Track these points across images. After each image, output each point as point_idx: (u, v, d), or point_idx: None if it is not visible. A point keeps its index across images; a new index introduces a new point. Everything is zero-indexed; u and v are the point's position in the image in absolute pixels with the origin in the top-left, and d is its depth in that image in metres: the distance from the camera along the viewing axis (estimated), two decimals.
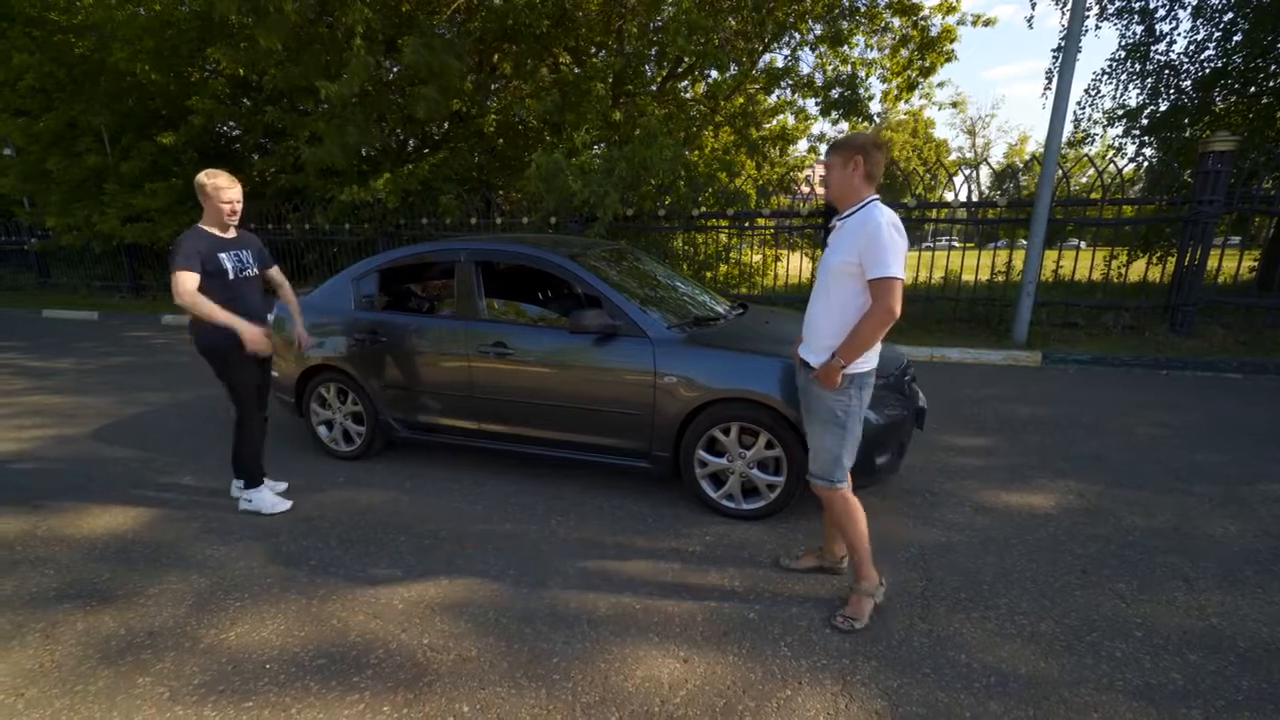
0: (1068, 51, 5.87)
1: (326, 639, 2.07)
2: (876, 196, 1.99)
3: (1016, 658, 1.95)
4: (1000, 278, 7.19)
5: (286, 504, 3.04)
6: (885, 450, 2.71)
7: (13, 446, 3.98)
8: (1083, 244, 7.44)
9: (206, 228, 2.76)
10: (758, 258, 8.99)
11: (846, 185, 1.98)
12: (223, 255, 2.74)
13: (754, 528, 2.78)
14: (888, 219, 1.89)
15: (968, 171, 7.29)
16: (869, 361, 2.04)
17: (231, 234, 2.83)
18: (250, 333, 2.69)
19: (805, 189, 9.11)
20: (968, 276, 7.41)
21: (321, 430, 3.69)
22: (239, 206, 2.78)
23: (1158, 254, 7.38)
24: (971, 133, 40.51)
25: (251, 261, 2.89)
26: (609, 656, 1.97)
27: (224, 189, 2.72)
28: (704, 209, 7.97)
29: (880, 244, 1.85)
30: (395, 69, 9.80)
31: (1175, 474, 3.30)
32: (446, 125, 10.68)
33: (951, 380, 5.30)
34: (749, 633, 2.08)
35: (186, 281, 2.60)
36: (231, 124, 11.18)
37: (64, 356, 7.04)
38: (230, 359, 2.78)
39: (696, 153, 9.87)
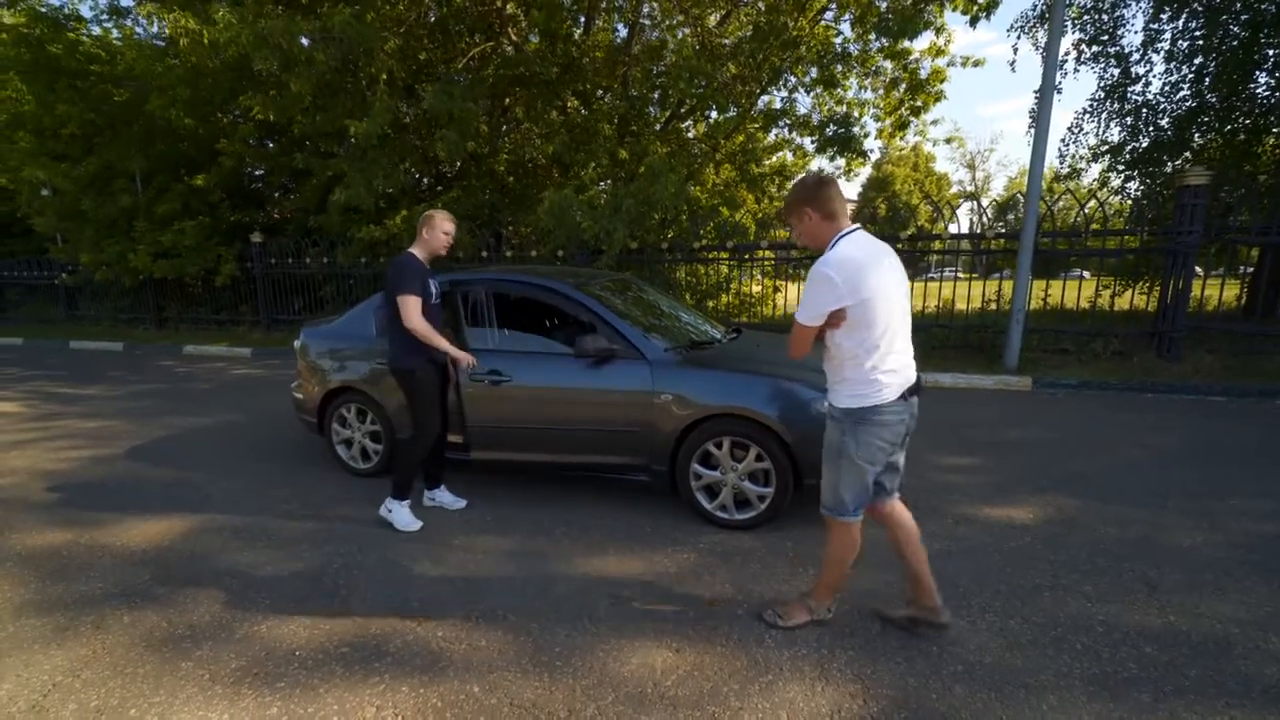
0: (1043, 100, 6.24)
1: (349, 631, 2.26)
2: (852, 227, 1.97)
3: (983, 649, 2.11)
4: (992, 306, 7.41)
5: (418, 524, 3.13)
6: None
7: (53, 466, 4.24)
8: (1086, 274, 7.69)
9: (418, 255, 3.02)
10: (758, 288, 9.29)
11: (812, 234, 2.01)
12: (430, 282, 3.03)
13: (745, 537, 2.96)
14: (836, 256, 1.89)
15: (965, 204, 7.60)
16: (865, 399, 1.97)
17: (428, 265, 3.10)
18: (465, 359, 3.05)
19: None
20: (960, 305, 7.65)
21: (341, 449, 3.92)
22: (453, 239, 3.09)
23: (1144, 283, 7.60)
24: (971, 166, 41.42)
25: (439, 291, 3.17)
26: (607, 647, 2.15)
27: (446, 223, 3.02)
28: (705, 242, 8.32)
29: (806, 290, 1.93)
30: (411, 112, 10.40)
31: (1152, 490, 3.45)
32: (459, 164, 11.24)
33: (945, 405, 5.48)
34: (736, 628, 2.25)
35: (415, 306, 2.89)
36: (257, 165, 11.80)
37: (93, 384, 7.37)
38: (417, 378, 3.05)
39: (698, 188, 10.30)
